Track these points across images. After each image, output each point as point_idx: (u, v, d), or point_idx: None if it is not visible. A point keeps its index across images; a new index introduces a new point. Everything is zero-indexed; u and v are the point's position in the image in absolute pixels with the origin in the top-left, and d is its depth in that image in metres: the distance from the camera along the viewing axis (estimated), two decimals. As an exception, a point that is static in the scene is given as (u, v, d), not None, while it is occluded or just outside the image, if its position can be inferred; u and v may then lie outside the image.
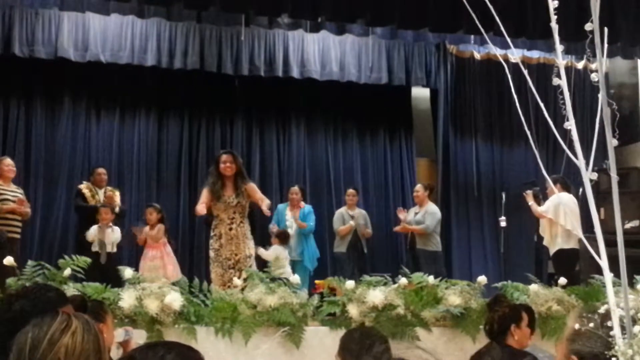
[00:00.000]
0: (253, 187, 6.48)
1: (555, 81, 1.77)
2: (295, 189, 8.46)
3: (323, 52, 9.37)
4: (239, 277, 5.78)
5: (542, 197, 7.89)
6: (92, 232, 7.40)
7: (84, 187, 7.89)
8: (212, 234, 6.38)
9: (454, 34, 8.59)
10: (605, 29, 1.71)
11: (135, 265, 6.87)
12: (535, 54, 9.71)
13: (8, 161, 7.13)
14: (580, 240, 6.86)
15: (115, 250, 7.50)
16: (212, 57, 8.97)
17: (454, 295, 5.38)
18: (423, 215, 8.25)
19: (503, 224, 8.49)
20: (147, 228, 7.62)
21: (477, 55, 9.95)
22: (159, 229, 7.58)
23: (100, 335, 1.72)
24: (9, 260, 4.94)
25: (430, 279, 5.51)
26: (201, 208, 6.23)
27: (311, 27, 8.89)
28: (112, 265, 6.91)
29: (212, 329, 4.87)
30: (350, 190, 8.79)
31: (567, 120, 1.75)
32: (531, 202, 7.72)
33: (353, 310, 5.09)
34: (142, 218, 7.98)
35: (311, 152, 9.82)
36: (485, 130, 10.01)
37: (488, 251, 9.62)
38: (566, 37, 2.00)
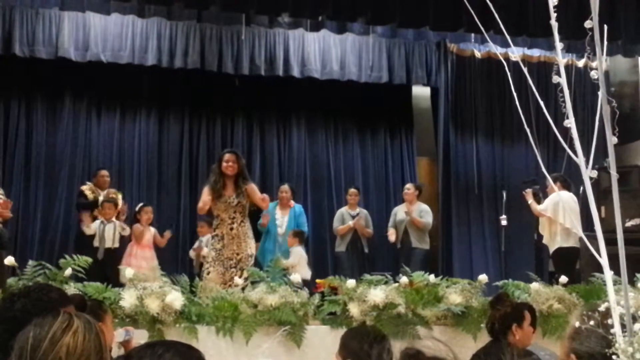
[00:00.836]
0: (253, 188, 6.46)
1: (555, 79, 1.77)
2: (285, 187, 8.20)
3: (323, 51, 9.35)
4: (240, 277, 5.80)
5: (542, 195, 7.88)
6: (94, 226, 7.47)
7: (86, 188, 7.88)
8: (213, 234, 6.41)
9: (454, 32, 8.59)
10: (605, 27, 1.70)
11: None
12: (535, 53, 9.70)
13: None
14: (580, 239, 6.86)
15: (117, 245, 7.51)
16: (213, 56, 8.95)
17: (455, 294, 5.39)
18: (419, 213, 8.30)
19: (504, 222, 8.47)
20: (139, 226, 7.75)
21: (478, 54, 9.94)
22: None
23: (102, 335, 1.72)
24: (9, 260, 4.95)
25: (431, 277, 5.53)
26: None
27: (311, 26, 8.89)
28: (110, 261, 6.95)
29: (213, 328, 4.88)
30: (352, 190, 8.74)
31: (567, 118, 1.75)
32: (530, 200, 7.71)
33: (354, 309, 5.10)
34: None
35: (312, 151, 9.80)
36: (485, 129, 9.99)
37: (489, 250, 9.60)
38: (566, 35, 2.01)
